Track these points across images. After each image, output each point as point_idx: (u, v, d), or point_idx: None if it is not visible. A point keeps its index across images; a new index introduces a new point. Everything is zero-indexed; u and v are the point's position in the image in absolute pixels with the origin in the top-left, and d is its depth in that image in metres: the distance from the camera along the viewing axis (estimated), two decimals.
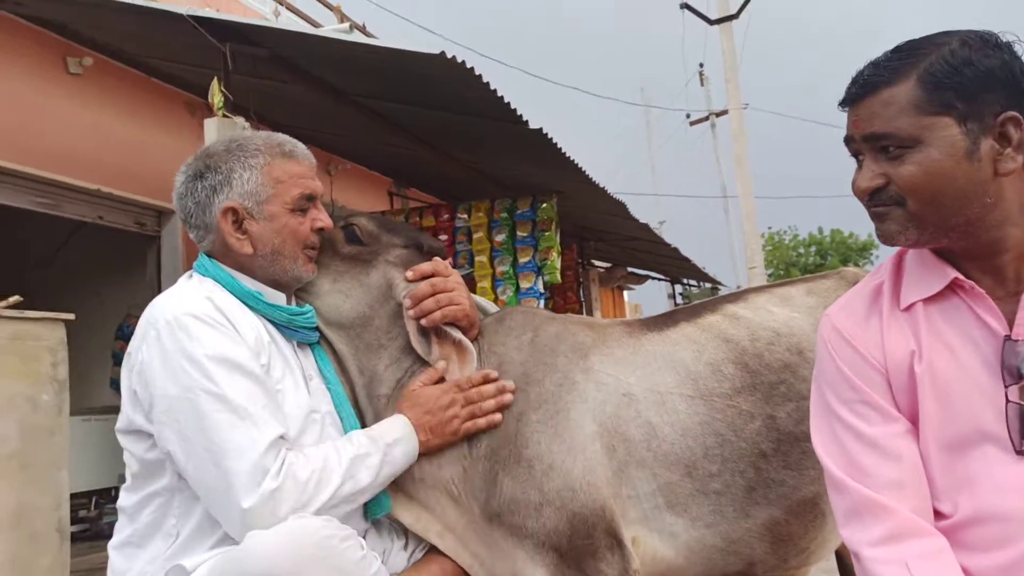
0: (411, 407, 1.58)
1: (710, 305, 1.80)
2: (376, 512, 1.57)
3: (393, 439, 1.52)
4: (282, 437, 1.39)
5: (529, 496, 1.53)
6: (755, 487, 1.56)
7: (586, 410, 1.59)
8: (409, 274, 1.67)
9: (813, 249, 29.91)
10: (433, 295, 1.63)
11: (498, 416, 1.59)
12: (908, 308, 1.18)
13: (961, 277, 1.13)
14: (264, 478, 1.31)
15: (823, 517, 1.59)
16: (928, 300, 1.16)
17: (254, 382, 1.41)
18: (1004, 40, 1.09)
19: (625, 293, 15.90)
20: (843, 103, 1.15)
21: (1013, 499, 1.06)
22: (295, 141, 1.64)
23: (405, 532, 1.65)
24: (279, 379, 1.50)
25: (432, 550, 1.64)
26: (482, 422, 1.59)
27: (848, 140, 1.16)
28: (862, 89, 1.12)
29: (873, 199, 1.14)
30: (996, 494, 1.08)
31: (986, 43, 1.07)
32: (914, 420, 1.15)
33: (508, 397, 1.61)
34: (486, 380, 1.61)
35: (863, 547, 1.10)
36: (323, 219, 1.62)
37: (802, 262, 29.37)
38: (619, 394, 1.61)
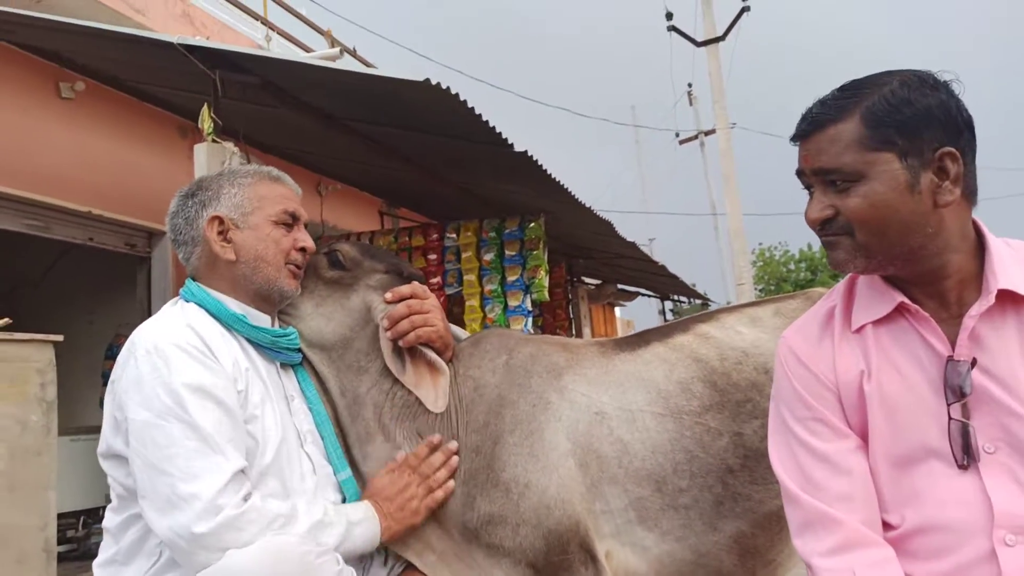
0: (372, 496, 1.62)
1: (682, 325, 1.86)
2: None
3: (357, 519, 1.54)
4: (243, 471, 1.41)
5: (506, 516, 1.58)
6: (723, 501, 1.61)
7: (560, 428, 1.64)
8: (388, 295, 1.73)
9: (804, 265, 30.07)
10: (408, 316, 1.69)
11: (452, 484, 1.63)
12: (859, 330, 1.24)
13: (907, 301, 1.19)
14: (225, 506, 1.33)
15: (788, 530, 1.64)
16: (877, 322, 1.23)
17: (225, 413, 1.44)
18: (942, 79, 1.15)
19: (617, 310, 15.97)
20: (794, 138, 1.22)
21: (954, 511, 1.12)
22: (284, 173, 1.74)
23: (385, 548, 1.69)
24: (257, 404, 1.54)
25: (411, 566, 1.68)
26: (439, 495, 1.63)
27: (799, 173, 1.22)
28: (810, 126, 1.18)
29: (824, 229, 1.20)
30: (939, 506, 1.14)
31: (924, 83, 1.14)
32: (864, 436, 1.21)
33: (455, 460, 1.65)
34: (432, 449, 1.65)
35: (814, 557, 1.16)
36: (306, 241, 1.70)
37: (793, 277, 29.50)
38: (592, 412, 1.66)
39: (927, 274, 1.18)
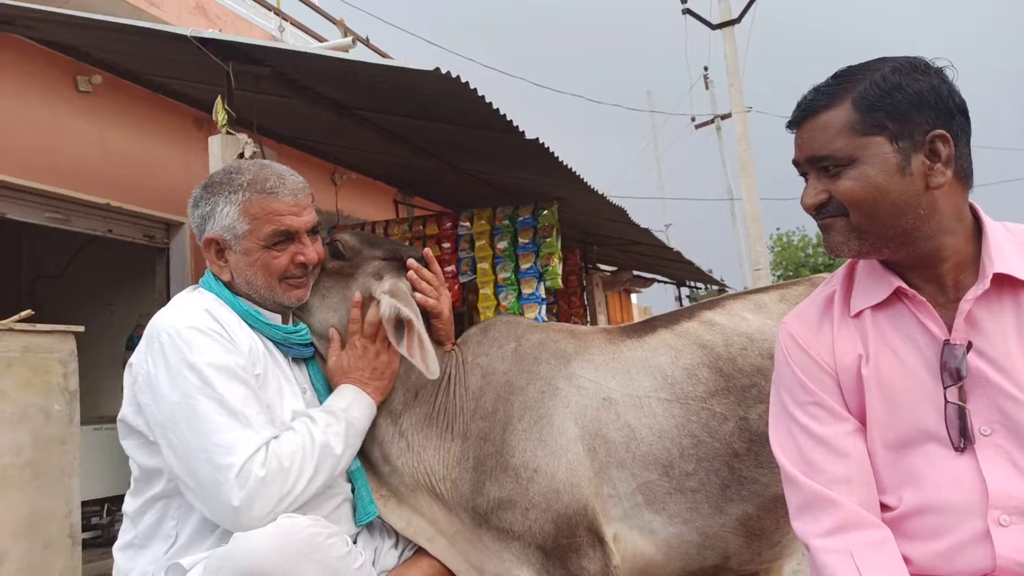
0: (343, 375, 1.69)
1: (688, 312, 1.87)
2: (363, 519, 1.65)
3: (346, 404, 1.62)
4: (273, 440, 1.47)
5: (516, 501, 1.61)
6: (729, 485, 1.63)
7: (568, 414, 1.67)
8: (411, 273, 1.79)
9: (822, 250, 29.77)
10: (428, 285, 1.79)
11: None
12: (857, 315, 1.26)
13: (904, 286, 1.21)
14: (252, 472, 1.39)
15: None
16: (875, 307, 1.24)
17: (249, 389, 1.49)
18: (934, 65, 1.16)
19: (633, 296, 15.95)
20: (789, 125, 1.24)
21: (950, 492, 1.14)
22: (285, 176, 1.68)
23: (396, 532, 1.73)
24: (275, 389, 1.59)
25: (421, 549, 1.72)
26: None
27: (795, 162, 1.24)
28: (803, 113, 1.20)
29: (820, 213, 1.22)
30: (936, 488, 1.15)
31: (915, 68, 1.15)
32: (863, 420, 1.23)
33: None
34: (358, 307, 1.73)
35: (812, 538, 1.18)
36: (306, 254, 1.67)
37: (811, 262, 29.26)
38: (599, 398, 1.69)
39: (923, 258, 1.19)
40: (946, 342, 1.16)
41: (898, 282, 1.21)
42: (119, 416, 1.57)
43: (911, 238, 1.17)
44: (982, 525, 1.11)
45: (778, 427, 1.30)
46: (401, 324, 1.68)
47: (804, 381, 1.26)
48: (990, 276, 1.15)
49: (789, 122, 1.23)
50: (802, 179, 1.24)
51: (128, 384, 1.56)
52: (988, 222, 1.20)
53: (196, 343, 1.48)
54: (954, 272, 1.19)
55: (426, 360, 1.64)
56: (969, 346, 1.15)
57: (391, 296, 1.69)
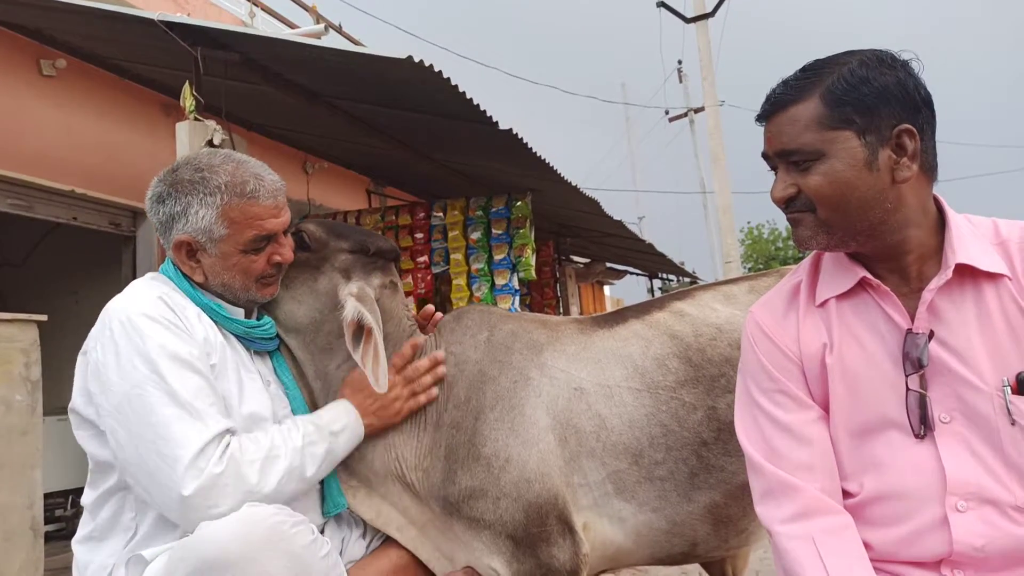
0: (354, 392, 1.65)
1: (658, 302, 1.89)
2: (331, 510, 1.63)
3: (340, 427, 1.57)
4: (229, 430, 1.43)
5: (487, 490, 1.61)
6: (697, 473, 1.65)
7: (540, 404, 1.67)
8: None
9: (792, 242, 29.99)
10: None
11: (435, 390, 1.69)
12: (822, 304, 1.28)
13: (869, 276, 1.23)
14: (206, 466, 1.36)
15: None
16: (840, 297, 1.26)
17: (202, 379, 1.45)
18: (901, 59, 1.18)
19: (606, 288, 16.03)
20: (758, 119, 1.25)
21: (911, 479, 1.16)
22: (263, 176, 1.61)
23: (364, 521, 1.72)
24: (236, 380, 1.55)
25: (390, 539, 1.71)
26: (422, 398, 1.69)
27: (764, 156, 1.25)
28: (772, 107, 1.21)
29: (789, 207, 1.23)
30: (896, 475, 1.18)
31: (882, 62, 1.17)
32: (826, 407, 1.25)
33: (442, 369, 1.71)
34: (415, 350, 1.70)
35: (775, 523, 1.20)
36: (282, 253, 1.64)
37: (781, 255, 29.57)
38: (571, 388, 1.70)
39: (888, 249, 1.21)
40: (908, 331, 1.18)
41: (863, 272, 1.23)
42: (70, 405, 1.52)
43: (878, 231, 1.19)
44: (940, 511, 1.13)
45: (743, 414, 1.31)
46: (360, 330, 1.63)
47: (769, 369, 1.28)
48: (952, 267, 1.17)
49: (758, 115, 1.24)
50: (771, 172, 1.25)
51: (80, 371, 1.51)
52: (951, 214, 1.22)
53: (148, 331, 1.44)
54: (918, 263, 1.21)
55: (377, 373, 1.60)
56: (931, 335, 1.17)
57: (357, 300, 1.66)
